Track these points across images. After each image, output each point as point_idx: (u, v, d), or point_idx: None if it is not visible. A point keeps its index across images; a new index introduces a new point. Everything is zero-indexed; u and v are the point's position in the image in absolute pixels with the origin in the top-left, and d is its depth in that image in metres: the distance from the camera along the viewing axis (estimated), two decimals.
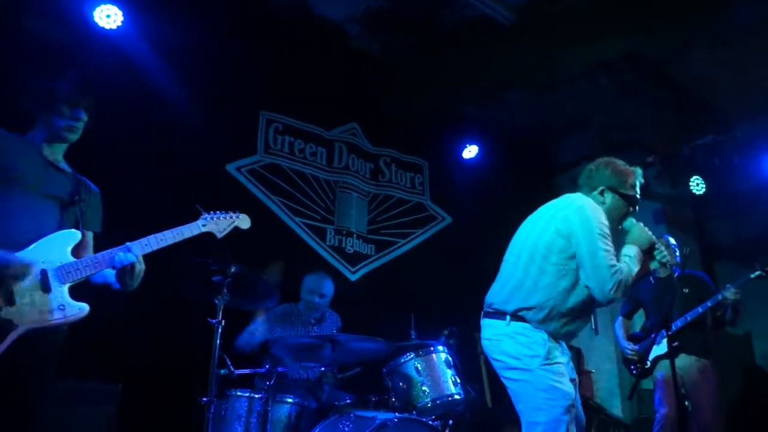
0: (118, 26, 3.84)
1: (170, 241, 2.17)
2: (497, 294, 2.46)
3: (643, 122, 5.71)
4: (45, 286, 1.91)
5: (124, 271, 2.06)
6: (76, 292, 2.02)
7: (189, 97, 4.18)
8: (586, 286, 2.32)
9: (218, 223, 2.32)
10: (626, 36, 4.58)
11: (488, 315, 2.45)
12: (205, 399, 2.68)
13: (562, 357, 2.35)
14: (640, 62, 5.11)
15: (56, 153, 2.20)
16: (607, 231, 2.36)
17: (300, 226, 4.90)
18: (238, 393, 3.04)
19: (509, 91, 5.49)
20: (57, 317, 1.90)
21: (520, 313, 2.34)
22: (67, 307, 1.93)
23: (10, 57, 3.16)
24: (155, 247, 2.12)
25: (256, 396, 3.00)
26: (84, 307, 1.97)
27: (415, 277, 5.29)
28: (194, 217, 2.31)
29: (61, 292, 1.95)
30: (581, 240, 2.31)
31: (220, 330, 2.76)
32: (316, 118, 5.23)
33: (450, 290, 5.32)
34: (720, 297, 3.74)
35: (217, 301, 2.80)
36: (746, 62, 4.82)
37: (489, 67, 4.95)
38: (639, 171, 2.64)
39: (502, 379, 2.41)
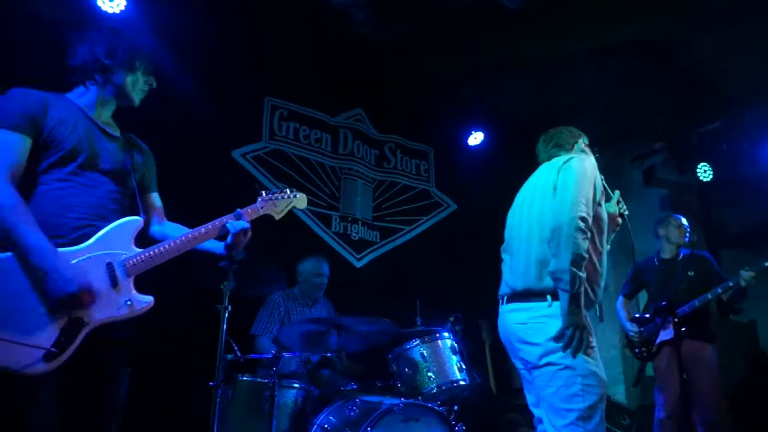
0: (121, 10, 3.82)
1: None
2: (522, 274, 2.28)
3: (650, 108, 5.65)
4: (113, 281, 1.84)
5: (239, 236, 2.04)
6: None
7: (193, 83, 4.16)
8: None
9: (277, 204, 2.25)
10: (633, 20, 4.53)
11: (519, 298, 2.27)
12: (212, 383, 2.70)
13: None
14: (646, 47, 5.05)
15: (106, 115, 2.07)
16: (594, 191, 2.25)
17: (305, 213, 4.90)
18: (246, 378, 3.06)
19: (515, 76, 5.44)
20: (125, 312, 1.84)
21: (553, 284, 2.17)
22: (134, 301, 1.87)
23: (13, 37, 3.14)
24: (216, 234, 2.09)
25: (263, 381, 3.02)
26: (150, 300, 1.90)
27: (421, 264, 5.30)
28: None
29: (128, 285, 1.87)
30: (570, 177, 2.25)
31: (227, 315, 2.76)
32: (321, 104, 5.21)
33: (455, 277, 5.33)
34: (731, 283, 3.72)
35: (223, 287, 2.80)
36: (755, 46, 4.75)
37: (495, 53, 4.91)
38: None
39: (531, 367, 2.25)
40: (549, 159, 2.57)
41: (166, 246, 1.96)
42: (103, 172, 1.96)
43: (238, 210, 2.09)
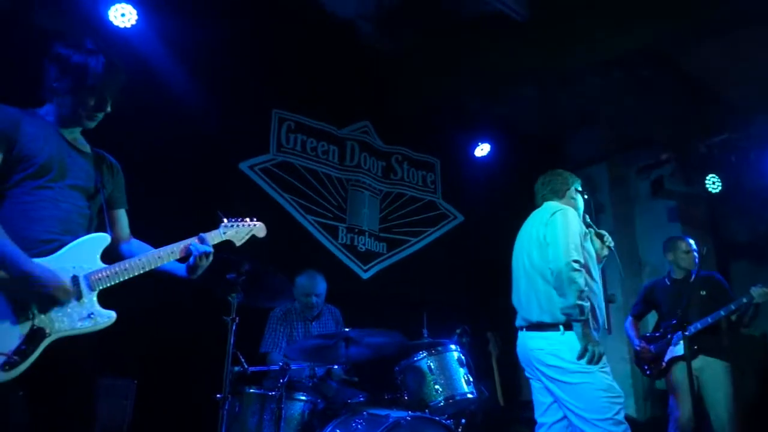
0: (132, 25, 3.86)
1: None
2: (536, 310, 2.74)
3: (658, 118, 5.64)
4: (77, 294, 1.88)
5: (201, 259, 2.07)
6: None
7: (202, 95, 4.20)
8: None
9: (238, 231, 2.30)
10: (639, 30, 4.53)
11: (535, 328, 2.75)
12: (219, 396, 2.69)
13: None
14: (653, 56, 5.04)
15: (75, 132, 2.09)
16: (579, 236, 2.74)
17: (312, 225, 4.91)
18: (252, 390, 3.06)
19: (522, 87, 5.45)
20: (87, 325, 1.87)
21: (565, 318, 2.62)
22: (96, 315, 1.89)
23: (22, 54, 3.17)
24: (180, 255, 2.12)
25: (270, 393, 3.01)
26: (112, 315, 1.93)
27: (427, 275, 5.28)
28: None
29: (91, 299, 1.91)
30: (557, 229, 2.71)
31: (234, 327, 2.77)
32: (328, 116, 5.23)
33: (462, 289, 5.31)
34: (745, 299, 3.69)
35: (231, 299, 2.80)
36: (763, 55, 4.74)
37: (502, 64, 4.92)
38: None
39: (556, 383, 2.66)
40: (541, 203, 3.04)
41: (131, 263, 2.00)
42: (73, 187, 1.99)
43: (202, 234, 2.13)
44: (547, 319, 2.68)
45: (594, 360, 2.54)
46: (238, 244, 2.31)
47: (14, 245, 1.77)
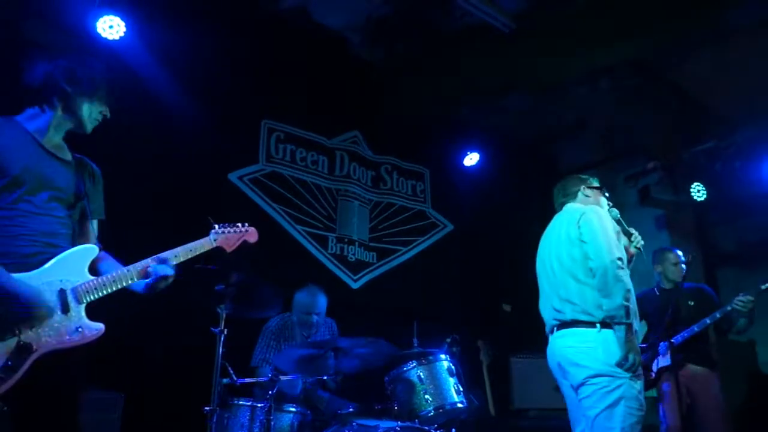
0: (120, 37, 3.86)
1: (183, 258, 2.11)
2: (567, 308, 2.56)
3: (645, 127, 5.72)
4: (64, 307, 1.84)
5: (159, 281, 1.98)
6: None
7: (191, 106, 4.20)
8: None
9: (228, 238, 2.24)
10: (627, 41, 4.60)
11: (568, 326, 2.55)
12: (207, 408, 2.67)
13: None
14: (641, 67, 5.12)
15: (57, 138, 2.04)
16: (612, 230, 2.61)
17: (302, 235, 4.91)
18: (241, 402, 3.03)
19: (510, 97, 5.51)
20: (75, 339, 1.83)
21: (607, 319, 2.44)
22: (84, 328, 1.86)
23: (11, 66, 3.16)
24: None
25: (259, 405, 2.99)
26: (100, 327, 1.89)
27: (417, 284, 5.29)
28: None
29: (79, 312, 1.87)
30: (594, 227, 2.57)
31: (222, 339, 2.76)
32: (318, 126, 5.25)
33: (452, 298, 5.32)
34: (729, 308, 3.73)
35: (219, 310, 2.79)
36: (747, 65, 4.82)
37: (490, 75, 4.97)
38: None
39: (578, 385, 2.48)
40: (560, 208, 2.92)
41: (118, 274, 1.97)
42: (51, 198, 1.96)
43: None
44: (582, 317, 2.50)
45: (633, 368, 2.38)
46: (229, 250, 2.25)
47: None
